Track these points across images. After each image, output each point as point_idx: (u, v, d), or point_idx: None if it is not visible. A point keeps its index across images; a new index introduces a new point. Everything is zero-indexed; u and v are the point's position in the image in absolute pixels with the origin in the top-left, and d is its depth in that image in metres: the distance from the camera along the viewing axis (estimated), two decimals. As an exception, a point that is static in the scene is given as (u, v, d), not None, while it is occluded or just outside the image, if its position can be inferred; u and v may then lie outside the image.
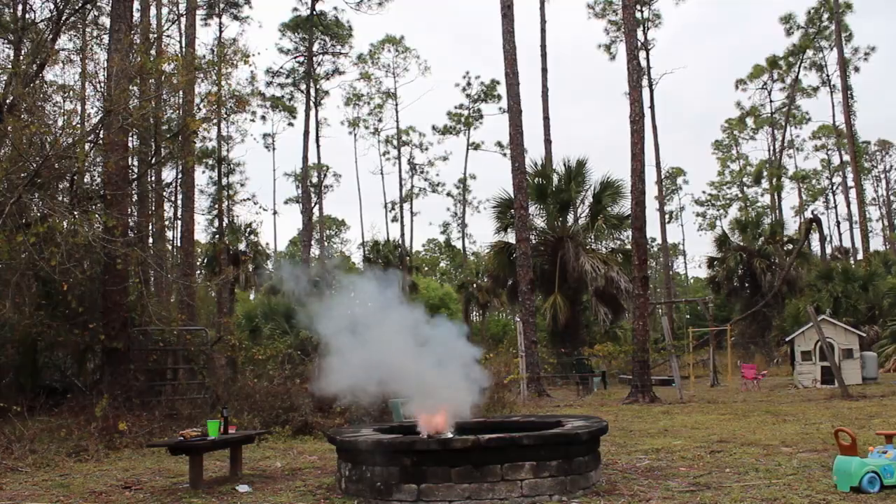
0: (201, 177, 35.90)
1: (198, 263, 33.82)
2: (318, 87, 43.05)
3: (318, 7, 39.76)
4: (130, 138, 14.44)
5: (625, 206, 27.25)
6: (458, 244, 61.13)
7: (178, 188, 28.06)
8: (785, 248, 33.80)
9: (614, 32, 41.53)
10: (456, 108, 54.81)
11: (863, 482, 5.78)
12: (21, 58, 13.12)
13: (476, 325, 44.84)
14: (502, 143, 53.16)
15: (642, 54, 39.67)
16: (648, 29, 41.57)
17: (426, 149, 57.04)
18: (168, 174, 25.60)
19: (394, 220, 55.68)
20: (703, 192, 60.66)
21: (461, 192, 57.36)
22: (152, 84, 13.46)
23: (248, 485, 7.19)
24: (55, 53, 13.67)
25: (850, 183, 44.48)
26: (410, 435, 6.78)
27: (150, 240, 17.49)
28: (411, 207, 56.10)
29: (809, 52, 45.06)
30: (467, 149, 54.90)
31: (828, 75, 45.82)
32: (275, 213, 52.19)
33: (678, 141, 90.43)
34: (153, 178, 19.90)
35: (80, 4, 15.12)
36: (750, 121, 53.01)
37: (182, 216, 25.41)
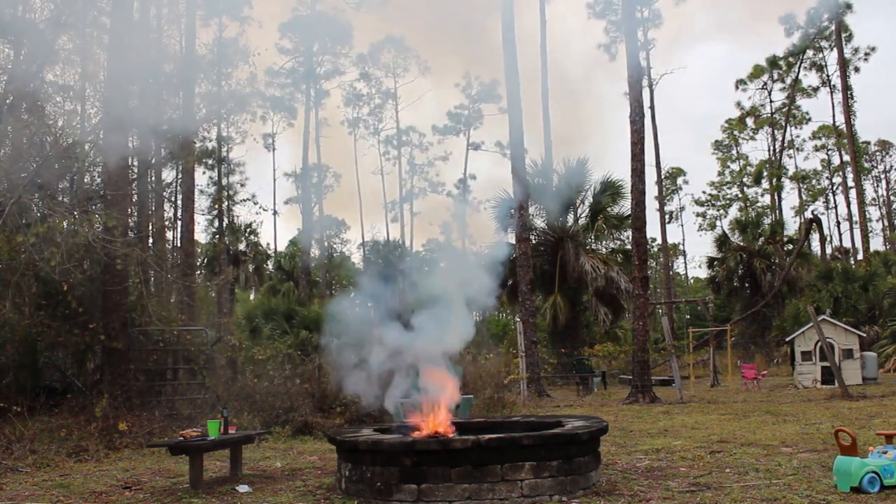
0: (201, 177, 35.91)
1: (198, 263, 33.82)
2: (318, 87, 43.03)
3: (318, 7, 39.79)
4: (130, 138, 14.42)
5: (625, 206, 27.30)
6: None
7: (178, 188, 28.10)
8: (785, 249, 33.79)
9: (614, 32, 41.51)
10: (456, 108, 54.81)
11: (863, 482, 5.78)
12: (21, 58, 13.09)
13: (476, 324, 44.74)
14: (502, 142, 53.13)
15: (642, 54, 39.65)
16: (648, 29, 41.54)
17: (426, 149, 57.04)
18: (168, 174, 25.61)
19: (394, 220, 55.73)
20: (703, 193, 60.47)
21: (461, 192, 57.30)
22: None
23: (248, 485, 7.20)
24: (55, 53, 13.64)
25: (850, 183, 44.35)
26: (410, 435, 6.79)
27: (150, 240, 17.48)
28: (411, 207, 56.12)
29: (809, 53, 45.02)
30: (467, 149, 54.92)
31: (828, 75, 45.73)
32: (275, 213, 52.23)
33: (678, 141, 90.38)
34: (153, 178, 19.88)
35: (79, 4, 15.09)
36: (750, 121, 52.86)
37: (182, 216, 25.45)
